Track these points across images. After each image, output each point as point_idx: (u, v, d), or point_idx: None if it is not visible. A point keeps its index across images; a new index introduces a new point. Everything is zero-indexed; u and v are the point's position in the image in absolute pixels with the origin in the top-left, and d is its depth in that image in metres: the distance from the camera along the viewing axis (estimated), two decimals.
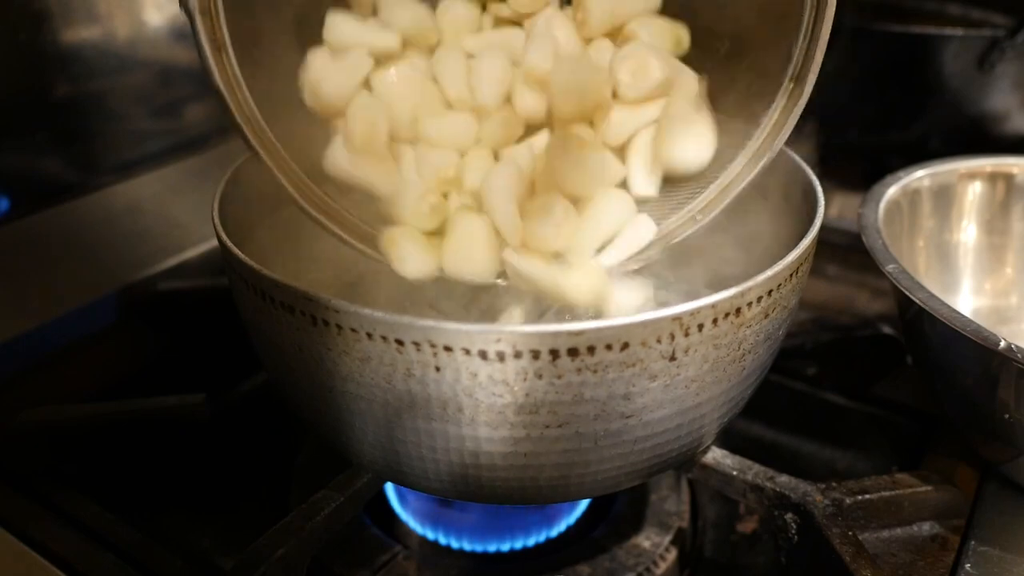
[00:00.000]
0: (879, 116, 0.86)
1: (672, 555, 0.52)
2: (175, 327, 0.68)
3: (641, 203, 0.49)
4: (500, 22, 0.51)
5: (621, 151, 0.49)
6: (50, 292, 0.66)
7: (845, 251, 0.76)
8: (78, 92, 0.70)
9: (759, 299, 0.41)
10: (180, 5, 0.41)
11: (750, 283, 0.40)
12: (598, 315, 0.46)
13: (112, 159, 0.73)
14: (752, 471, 0.50)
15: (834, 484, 0.49)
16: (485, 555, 0.52)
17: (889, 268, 0.49)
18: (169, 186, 0.75)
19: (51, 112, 0.69)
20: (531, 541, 0.53)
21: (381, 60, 0.48)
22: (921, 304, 0.47)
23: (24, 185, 0.68)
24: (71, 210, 0.69)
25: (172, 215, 0.74)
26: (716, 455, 0.50)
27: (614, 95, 0.48)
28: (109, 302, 0.69)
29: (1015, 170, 0.65)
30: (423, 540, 0.53)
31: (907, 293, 0.48)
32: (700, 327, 0.39)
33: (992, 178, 0.65)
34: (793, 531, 0.49)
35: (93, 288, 0.68)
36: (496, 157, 0.49)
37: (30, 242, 0.67)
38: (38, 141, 0.68)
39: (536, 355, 0.37)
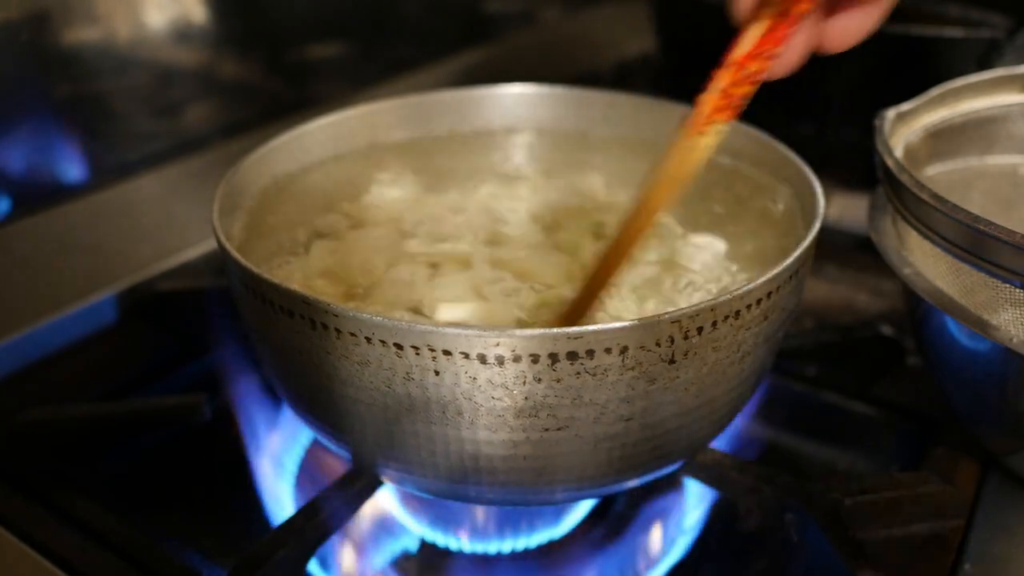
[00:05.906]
0: None
1: (671, 555, 0.52)
2: (175, 327, 0.68)
3: None
4: None
5: None
6: (50, 292, 0.66)
7: (845, 251, 0.76)
8: (78, 92, 0.70)
9: (758, 302, 0.41)
10: None
11: (749, 285, 0.40)
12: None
13: (112, 159, 0.73)
14: (752, 471, 0.50)
15: (834, 484, 0.49)
16: (485, 556, 0.52)
17: (906, 272, 0.49)
18: (169, 186, 0.75)
19: (51, 112, 0.69)
20: (532, 542, 0.53)
21: None
22: (941, 310, 0.47)
23: (24, 185, 0.68)
24: (71, 210, 0.69)
25: (172, 215, 0.74)
26: (716, 455, 0.50)
27: None
28: (109, 302, 0.69)
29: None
30: (423, 540, 0.54)
31: (925, 297, 0.48)
32: (699, 330, 0.39)
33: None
34: (793, 531, 0.49)
35: (93, 288, 0.68)
36: None
37: (30, 242, 0.67)
38: (38, 141, 0.68)
39: (535, 359, 0.37)
